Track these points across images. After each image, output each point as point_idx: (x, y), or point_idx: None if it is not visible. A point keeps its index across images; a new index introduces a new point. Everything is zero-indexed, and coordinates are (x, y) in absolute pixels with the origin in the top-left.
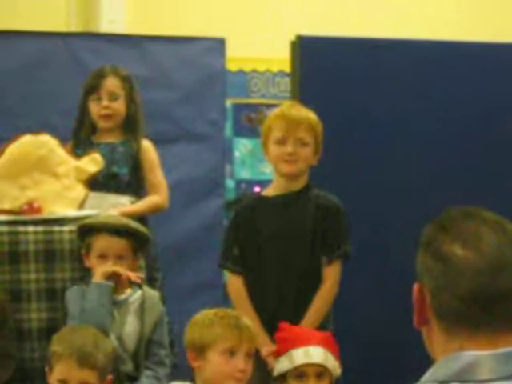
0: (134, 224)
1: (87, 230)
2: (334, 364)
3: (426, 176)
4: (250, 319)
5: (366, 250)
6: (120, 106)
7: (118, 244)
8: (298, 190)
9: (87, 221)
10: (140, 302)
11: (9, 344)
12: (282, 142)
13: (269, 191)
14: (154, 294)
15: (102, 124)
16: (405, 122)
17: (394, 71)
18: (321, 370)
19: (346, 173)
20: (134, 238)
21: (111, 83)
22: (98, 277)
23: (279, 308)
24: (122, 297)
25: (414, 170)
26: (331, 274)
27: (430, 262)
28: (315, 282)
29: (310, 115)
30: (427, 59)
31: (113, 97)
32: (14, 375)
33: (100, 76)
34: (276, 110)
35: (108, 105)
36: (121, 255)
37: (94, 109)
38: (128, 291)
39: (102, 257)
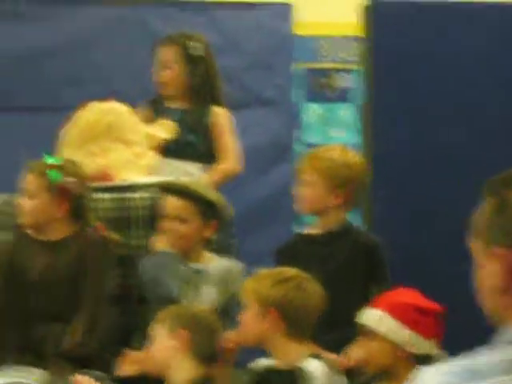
0: (202, 189)
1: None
2: (393, 328)
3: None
4: None
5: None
6: (173, 74)
7: (178, 204)
8: (335, 229)
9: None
10: (223, 272)
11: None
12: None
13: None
14: (239, 267)
15: (161, 91)
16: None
17: (467, 40)
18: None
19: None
20: (200, 202)
21: (162, 52)
22: None
23: None
24: (200, 265)
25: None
26: None
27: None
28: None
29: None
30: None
31: (164, 65)
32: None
33: (155, 45)
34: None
35: (159, 73)
36: (184, 218)
37: (153, 77)
38: (207, 259)
39: (174, 218)
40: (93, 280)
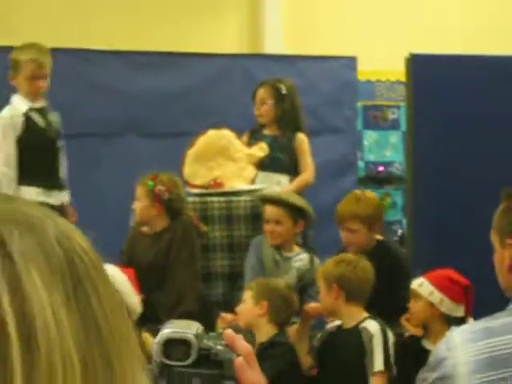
0: (292, 198)
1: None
2: (430, 292)
3: None
4: None
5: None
6: (268, 108)
7: (276, 211)
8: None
9: (264, 194)
10: (304, 261)
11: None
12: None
13: None
14: (315, 257)
15: (259, 121)
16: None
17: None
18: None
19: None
20: (291, 208)
21: (260, 93)
22: None
23: None
24: (289, 254)
25: None
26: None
27: None
28: None
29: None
30: None
31: (261, 102)
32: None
33: (256, 88)
34: None
35: (258, 109)
36: (279, 220)
37: (254, 111)
38: (295, 250)
39: (266, 221)
40: (180, 259)
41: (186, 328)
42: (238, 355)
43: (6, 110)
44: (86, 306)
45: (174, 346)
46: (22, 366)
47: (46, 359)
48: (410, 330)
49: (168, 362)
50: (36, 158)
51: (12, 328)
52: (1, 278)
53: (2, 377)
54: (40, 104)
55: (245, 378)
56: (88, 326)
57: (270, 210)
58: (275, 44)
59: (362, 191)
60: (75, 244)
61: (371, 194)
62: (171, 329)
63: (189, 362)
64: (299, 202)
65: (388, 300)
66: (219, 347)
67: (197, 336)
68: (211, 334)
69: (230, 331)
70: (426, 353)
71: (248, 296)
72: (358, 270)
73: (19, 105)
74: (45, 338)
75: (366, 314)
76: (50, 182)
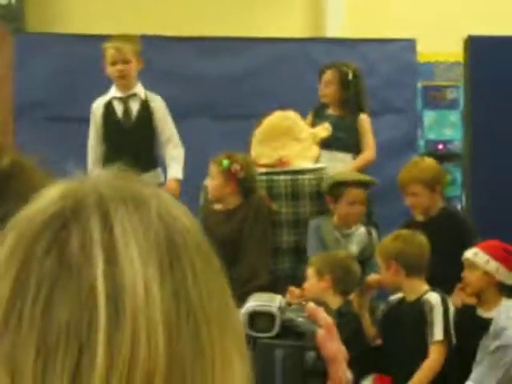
0: (368, 178)
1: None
2: (485, 260)
3: None
4: None
5: None
6: (332, 91)
7: (362, 193)
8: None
9: (341, 177)
10: (363, 237)
11: (268, 258)
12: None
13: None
14: (375, 231)
15: (323, 102)
16: None
17: None
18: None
19: None
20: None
21: (326, 75)
22: None
23: None
24: (349, 230)
25: None
26: None
27: None
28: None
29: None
30: None
31: (326, 83)
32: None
33: (320, 70)
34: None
35: (322, 90)
36: (363, 201)
37: (318, 92)
38: (354, 227)
39: (352, 203)
40: (253, 236)
41: (269, 301)
42: (319, 327)
43: (96, 102)
44: (181, 283)
45: (258, 318)
46: (107, 327)
47: (130, 324)
48: (464, 299)
49: (253, 333)
50: (112, 145)
51: (101, 293)
52: (99, 246)
53: (88, 336)
54: (127, 92)
55: (326, 349)
56: (179, 302)
57: (358, 192)
58: (337, 27)
59: (420, 157)
60: (179, 223)
61: (429, 159)
62: (256, 302)
63: (272, 333)
64: (372, 179)
65: (456, 264)
66: (300, 319)
67: (280, 309)
68: (293, 306)
69: (311, 304)
70: (482, 321)
71: (311, 272)
72: (415, 245)
73: (107, 95)
74: (132, 305)
75: (427, 287)
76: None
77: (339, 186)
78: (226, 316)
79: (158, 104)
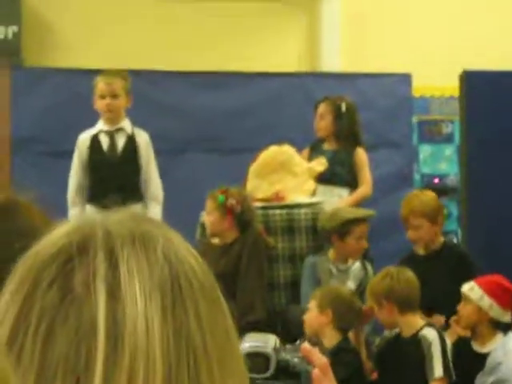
0: (370, 212)
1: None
2: (480, 296)
3: None
4: None
5: None
6: (326, 124)
7: (366, 228)
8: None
9: (351, 215)
10: (359, 271)
11: (264, 293)
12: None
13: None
14: (370, 267)
15: (318, 136)
16: None
17: None
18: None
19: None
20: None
21: (320, 107)
22: None
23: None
24: (344, 266)
25: None
26: None
27: None
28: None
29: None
30: None
31: (320, 117)
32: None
33: (316, 104)
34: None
35: (317, 124)
36: (367, 236)
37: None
38: (350, 262)
39: (359, 238)
40: (250, 270)
41: (263, 341)
42: (314, 367)
43: (82, 134)
44: (183, 323)
45: (254, 359)
46: (105, 361)
47: (128, 360)
48: (459, 332)
49: (249, 374)
50: (97, 178)
51: (101, 328)
52: (103, 282)
53: (86, 370)
54: (114, 126)
55: None
56: (180, 342)
57: (364, 227)
58: (333, 62)
59: (419, 190)
60: (185, 263)
61: (429, 192)
62: (250, 343)
63: (268, 374)
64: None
65: (457, 298)
66: (296, 360)
67: (275, 349)
68: (288, 346)
69: (306, 345)
70: (477, 356)
71: (313, 305)
72: (402, 281)
73: (94, 128)
74: (131, 342)
75: (422, 322)
76: (105, 201)
77: (348, 223)
78: (229, 358)
79: (142, 140)
